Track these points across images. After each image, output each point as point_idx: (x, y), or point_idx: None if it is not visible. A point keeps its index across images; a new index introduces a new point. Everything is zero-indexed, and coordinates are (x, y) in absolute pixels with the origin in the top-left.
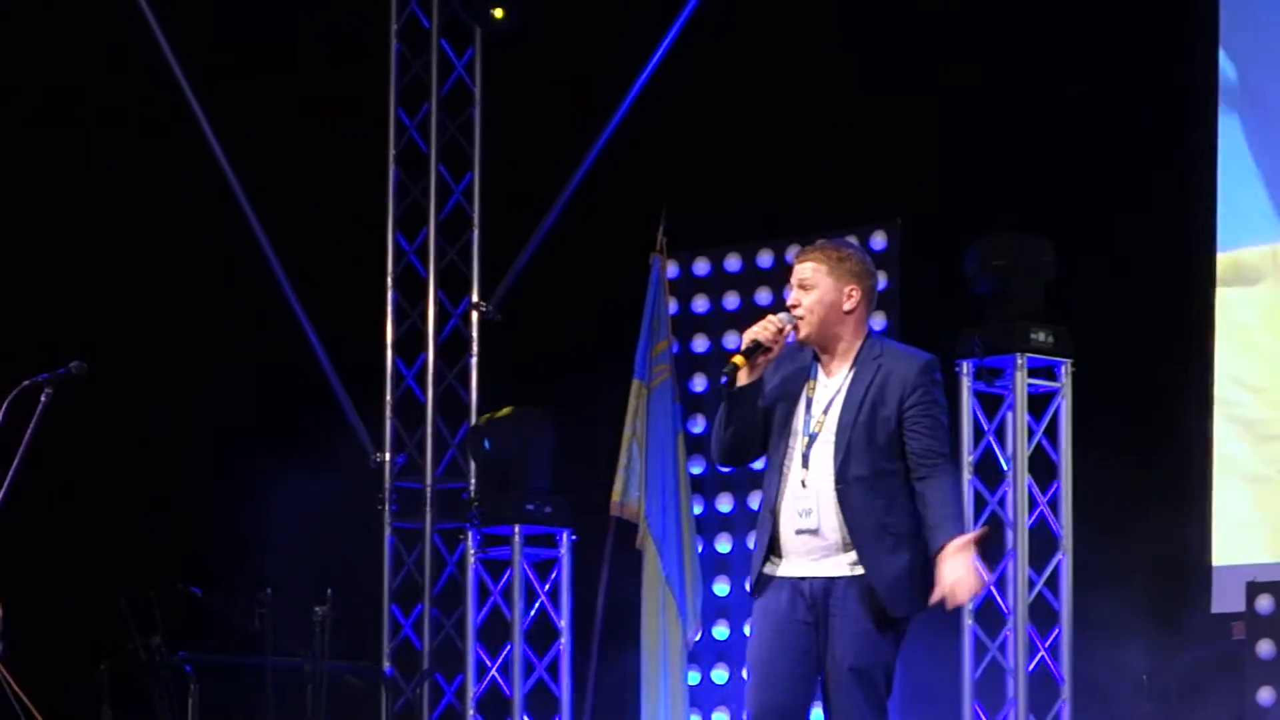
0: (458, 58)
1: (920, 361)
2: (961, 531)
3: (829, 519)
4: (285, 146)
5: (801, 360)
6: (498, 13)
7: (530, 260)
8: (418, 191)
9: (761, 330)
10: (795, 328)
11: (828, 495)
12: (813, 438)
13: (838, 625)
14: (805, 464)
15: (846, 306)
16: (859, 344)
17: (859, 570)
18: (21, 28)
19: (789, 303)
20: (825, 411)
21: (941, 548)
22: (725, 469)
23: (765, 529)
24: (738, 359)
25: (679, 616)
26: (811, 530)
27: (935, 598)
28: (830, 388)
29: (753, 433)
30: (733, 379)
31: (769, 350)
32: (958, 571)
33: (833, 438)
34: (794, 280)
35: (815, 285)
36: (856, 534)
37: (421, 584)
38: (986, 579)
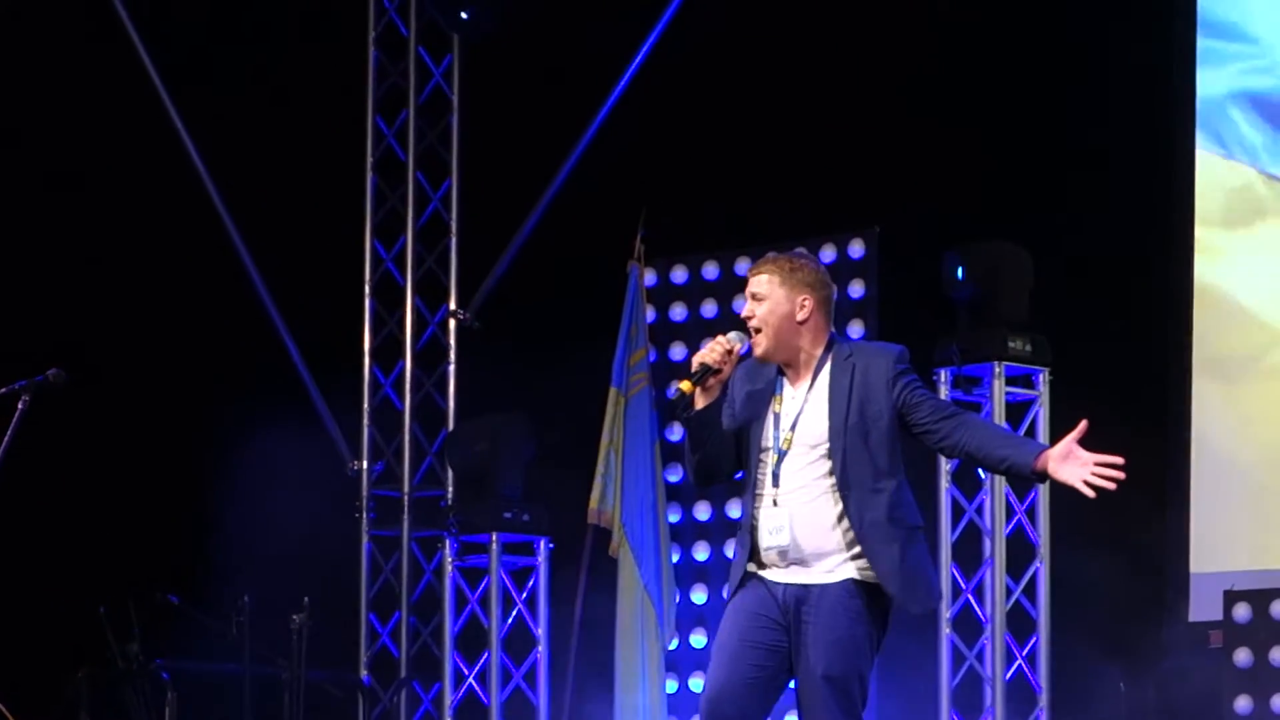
0: (435, 65)
1: (893, 352)
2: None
3: (802, 533)
4: (263, 153)
5: (766, 376)
6: None
7: (508, 268)
8: (396, 199)
9: (709, 353)
10: (753, 343)
11: (800, 510)
12: (782, 454)
13: (811, 634)
14: (776, 482)
15: (800, 316)
16: (819, 352)
17: (833, 578)
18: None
19: (743, 314)
20: (793, 427)
21: (1039, 456)
22: (703, 488)
23: (745, 544)
24: (685, 385)
25: (657, 624)
26: (783, 547)
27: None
28: (797, 399)
29: (722, 454)
30: (688, 405)
31: (719, 371)
32: (1082, 470)
33: (808, 449)
34: (747, 293)
35: (768, 296)
36: (866, 537)
37: (399, 592)
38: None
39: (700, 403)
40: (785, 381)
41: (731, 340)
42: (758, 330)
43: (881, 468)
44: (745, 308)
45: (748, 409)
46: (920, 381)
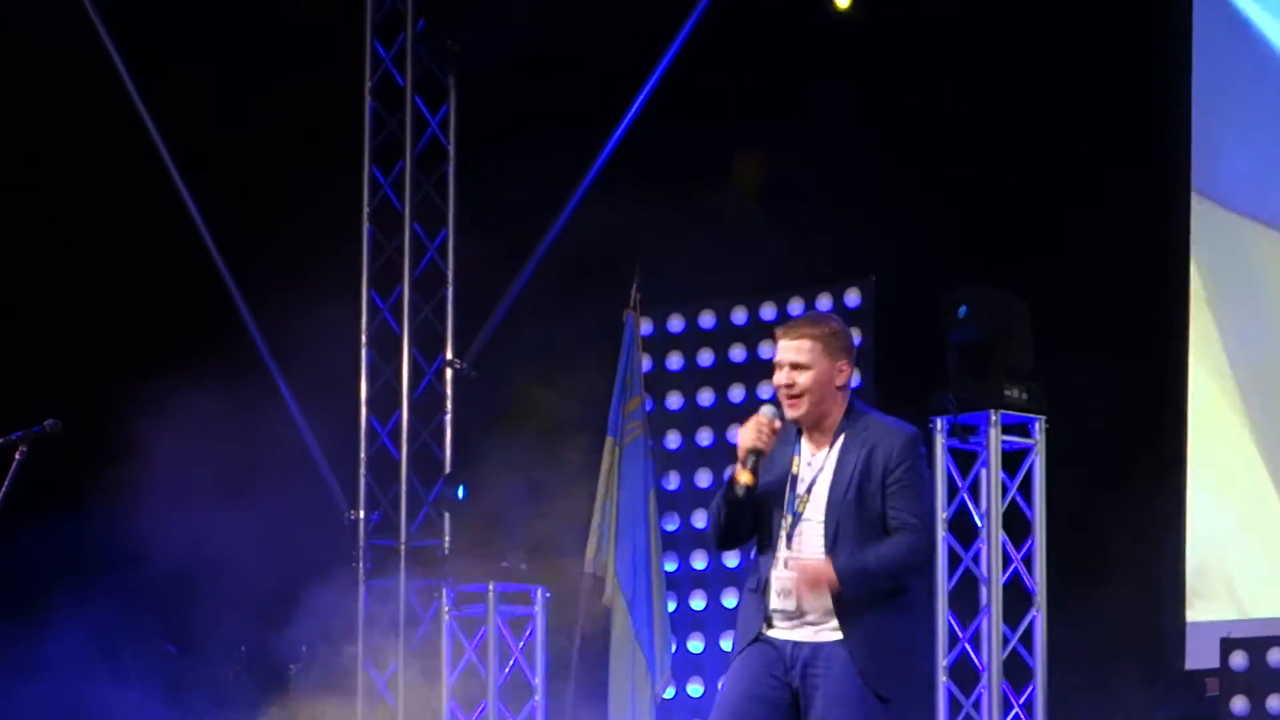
0: (432, 115)
1: (906, 435)
2: (858, 570)
3: (810, 599)
4: (260, 204)
5: (786, 437)
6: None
7: (504, 317)
8: (392, 249)
9: (755, 438)
10: (788, 407)
11: None
12: (797, 517)
13: (821, 692)
14: (789, 544)
15: (839, 382)
16: (840, 416)
17: (841, 636)
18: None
19: (780, 382)
20: (809, 490)
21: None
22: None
23: (759, 605)
24: (746, 476)
25: (647, 673)
26: (788, 610)
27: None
28: (814, 465)
29: (745, 519)
30: (745, 489)
31: (764, 452)
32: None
33: (820, 516)
34: (783, 359)
35: (812, 365)
36: (844, 614)
37: (396, 641)
38: None
39: (749, 481)
40: (806, 444)
41: (769, 415)
42: (797, 396)
43: (872, 546)
44: (783, 376)
45: (769, 471)
46: (921, 479)
